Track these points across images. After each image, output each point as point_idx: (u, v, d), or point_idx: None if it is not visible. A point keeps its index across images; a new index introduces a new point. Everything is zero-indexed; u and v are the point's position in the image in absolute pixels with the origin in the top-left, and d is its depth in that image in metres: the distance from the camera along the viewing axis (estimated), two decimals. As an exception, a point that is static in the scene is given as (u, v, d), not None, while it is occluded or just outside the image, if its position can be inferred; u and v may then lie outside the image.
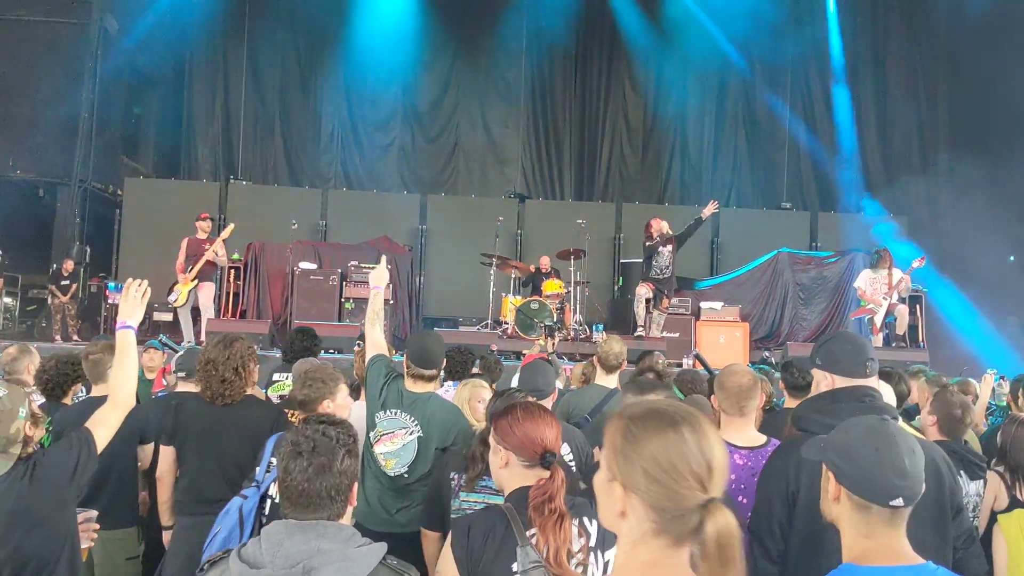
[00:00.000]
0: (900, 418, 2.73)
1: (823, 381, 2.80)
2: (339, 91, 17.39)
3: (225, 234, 11.42)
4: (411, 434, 3.72)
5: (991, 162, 14.28)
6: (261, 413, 3.93)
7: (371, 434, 3.80)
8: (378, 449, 3.75)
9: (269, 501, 3.23)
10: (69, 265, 13.30)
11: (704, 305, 12.76)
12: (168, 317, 14.36)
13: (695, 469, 1.44)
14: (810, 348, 10.38)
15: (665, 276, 11.58)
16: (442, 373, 4.55)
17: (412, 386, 3.84)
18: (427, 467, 3.68)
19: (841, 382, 2.74)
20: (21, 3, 14.42)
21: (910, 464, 1.89)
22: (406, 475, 3.71)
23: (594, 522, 2.39)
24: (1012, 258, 15.01)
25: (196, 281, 11.14)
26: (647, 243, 11.61)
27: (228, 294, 13.24)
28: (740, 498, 3.22)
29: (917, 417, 4.70)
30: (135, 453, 4.33)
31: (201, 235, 11.43)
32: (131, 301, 3.20)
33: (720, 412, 3.42)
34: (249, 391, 4.02)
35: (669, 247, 11.53)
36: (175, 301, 11.18)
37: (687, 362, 11.02)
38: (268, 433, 3.60)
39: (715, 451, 1.48)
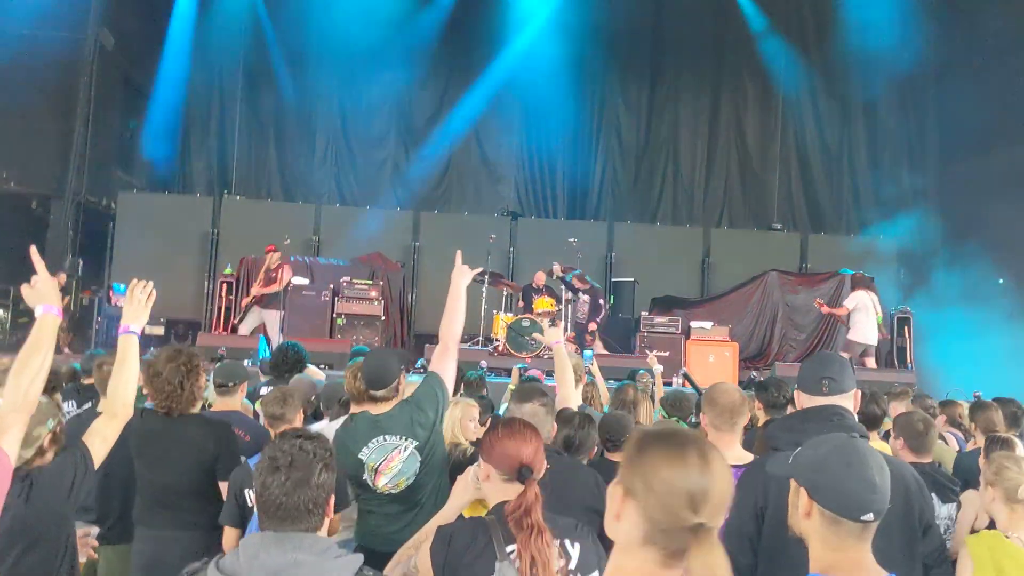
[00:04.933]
0: (868, 437, 2.77)
1: (797, 399, 2.88)
2: (333, 107, 17.47)
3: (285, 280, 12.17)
4: (405, 450, 3.59)
5: (981, 181, 14.40)
6: (204, 430, 3.79)
7: (365, 476, 3.58)
8: (381, 483, 3.56)
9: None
10: (62, 278, 13.27)
11: (694, 324, 12.83)
12: (159, 332, 14.37)
13: (690, 489, 1.54)
14: (798, 368, 10.45)
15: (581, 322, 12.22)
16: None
17: (377, 409, 3.67)
18: (435, 474, 3.61)
19: (807, 400, 2.80)
20: (16, 16, 14.45)
21: (880, 480, 1.95)
22: (414, 484, 3.58)
23: (576, 545, 2.41)
24: (1001, 280, 15.09)
25: (252, 305, 12.10)
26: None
27: (220, 308, 13.26)
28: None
29: None
30: None
31: (273, 264, 12.15)
32: (135, 304, 2.97)
33: (709, 429, 3.47)
34: (196, 406, 3.91)
35: (585, 297, 12.12)
36: (236, 321, 12.26)
37: (676, 381, 11.07)
38: (211, 450, 3.61)
39: (716, 480, 1.57)
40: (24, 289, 2.68)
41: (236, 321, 11.93)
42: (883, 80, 17.03)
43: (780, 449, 2.66)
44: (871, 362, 11.84)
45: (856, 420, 2.75)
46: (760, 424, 4.82)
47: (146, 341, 13.57)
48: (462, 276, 3.87)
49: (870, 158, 17.59)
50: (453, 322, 3.80)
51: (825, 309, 12.14)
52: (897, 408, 5.35)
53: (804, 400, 2.81)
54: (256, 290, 12.00)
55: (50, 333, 2.63)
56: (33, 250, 2.77)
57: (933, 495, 3.46)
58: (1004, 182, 14.10)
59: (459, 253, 4.01)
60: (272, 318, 12.00)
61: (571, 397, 4.25)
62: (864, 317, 11.57)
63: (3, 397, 2.52)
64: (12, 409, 2.50)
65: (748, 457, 3.38)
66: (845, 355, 11.38)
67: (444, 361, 3.75)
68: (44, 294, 2.65)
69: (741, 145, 17.98)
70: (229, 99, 17.41)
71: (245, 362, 9.31)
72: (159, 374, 3.70)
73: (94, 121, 15.02)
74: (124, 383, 2.91)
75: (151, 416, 3.79)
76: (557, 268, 12.47)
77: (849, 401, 2.77)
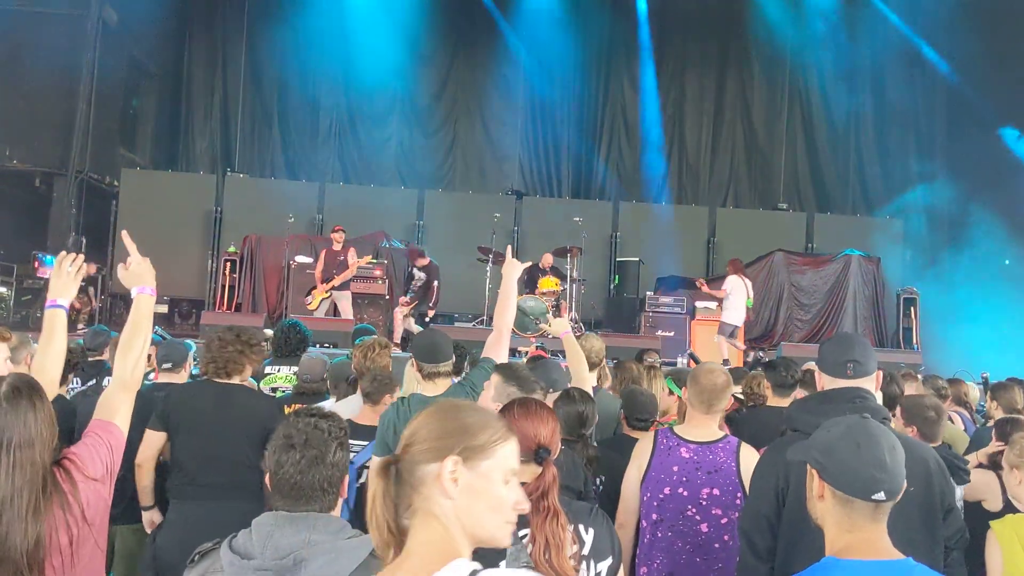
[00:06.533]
0: (890, 419, 2.73)
1: (818, 380, 2.84)
2: (337, 85, 17.33)
3: (362, 262, 12.15)
4: None
5: (988, 162, 14.31)
6: (263, 403, 4.06)
7: None
8: None
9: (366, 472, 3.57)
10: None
11: (699, 304, 12.80)
12: (164, 309, 14.36)
13: None
14: (805, 349, 10.40)
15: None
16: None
17: (433, 389, 3.73)
18: None
19: (829, 382, 2.76)
20: (20, -8, 14.37)
21: (890, 459, 1.93)
22: None
23: (590, 530, 2.39)
24: (1007, 261, 15.04)
25: (330, 292, 11.95)
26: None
27: (223, 287, 13.25)
28: (680, 490, 3.28)
29: None
30: None
31: (336, 247, 12.04)
32: (64, 277, 2.76)
33: (688, 404, 3.46)
34: (240, 379, 4.07)
35: (421, 274, 12.19)
36: (310, 305, 11.99)
37: (681, 361, 11.08)
38: (269, 421, 3.70)
39: None
40: (120, 271, 2.73)
41: (311, 307, 11.96)
42: (891, 56, 16.90)
43: (799, 430, 2.64)
44: (739, 343, 11.97)
45: (877, 402, 2.71)
46: (766, 403, 4.82)
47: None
48: (513, 269, 4.04)
49: (877, 136, 17.48)
50: (506, 311, 3.99)
51: (704, 289, 12.18)
52: (906, 390, 5.33)
53: (827, 382, 2.77)
54: (334, 280, 11.98)
55: (148, 313, 2.68)
56: (125, 234, 2.80)
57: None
58: (1012, 161, 14.03)
59: (509, 248, 4.36)
60: (346, 299, 12.05)
61: (585, 383, 4.29)
62: (736, 300, 11.69)
63: (111, 379, 2.59)
64: (121, 389, 2.57)
65: (716, 435, 3.40)
66: (720, 337, 11.46)
67: (497, 347, 3.90)
68: (140, 275, 2.70)
69: (747, 123, 17.86)
70: (232, 76, 17.31)
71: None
72: (221, 341, 3.99)
73: (97, 99, 14.95)
74: (52, 360, 2.72)
75: (199, 389, 4.00)
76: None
77: (871, 383, 2.74)
